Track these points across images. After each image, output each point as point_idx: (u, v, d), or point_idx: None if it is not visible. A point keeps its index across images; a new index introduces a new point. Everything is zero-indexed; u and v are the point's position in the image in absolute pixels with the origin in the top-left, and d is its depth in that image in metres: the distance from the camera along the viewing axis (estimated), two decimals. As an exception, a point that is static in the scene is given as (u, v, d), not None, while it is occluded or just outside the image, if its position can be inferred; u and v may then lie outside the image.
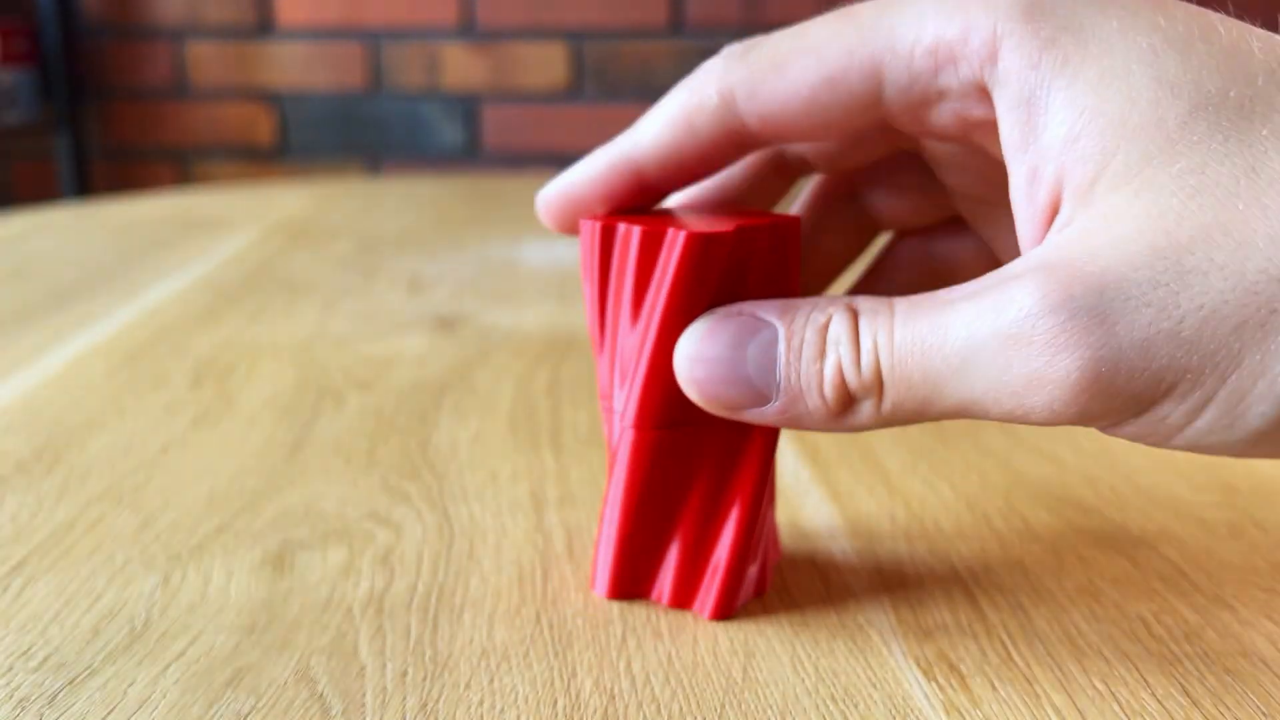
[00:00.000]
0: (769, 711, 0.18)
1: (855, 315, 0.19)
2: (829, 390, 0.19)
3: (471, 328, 0.43)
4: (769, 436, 0.22)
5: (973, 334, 0.17)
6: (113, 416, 0.33)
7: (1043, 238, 0.18)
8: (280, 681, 0.19)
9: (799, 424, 0.19)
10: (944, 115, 0.19)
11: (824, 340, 0.19)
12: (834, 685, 0.19)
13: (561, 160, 1.62)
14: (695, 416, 0.21)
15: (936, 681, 0.19)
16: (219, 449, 0.30)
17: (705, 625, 0.21)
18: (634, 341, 0.21)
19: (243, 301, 0.48)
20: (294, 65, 1.61)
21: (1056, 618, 0.21)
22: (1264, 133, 0.16)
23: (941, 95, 0.19)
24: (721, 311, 0.20)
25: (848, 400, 0.19)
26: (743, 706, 0.19)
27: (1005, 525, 0.26)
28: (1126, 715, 0.18)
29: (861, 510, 0.26)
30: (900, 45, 0.19)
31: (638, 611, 0.22)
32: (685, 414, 0.21)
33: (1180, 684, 0.19)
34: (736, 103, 0.20)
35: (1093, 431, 0.25)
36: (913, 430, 0.31)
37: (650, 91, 1.59)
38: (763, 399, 0.19)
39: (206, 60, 1.62)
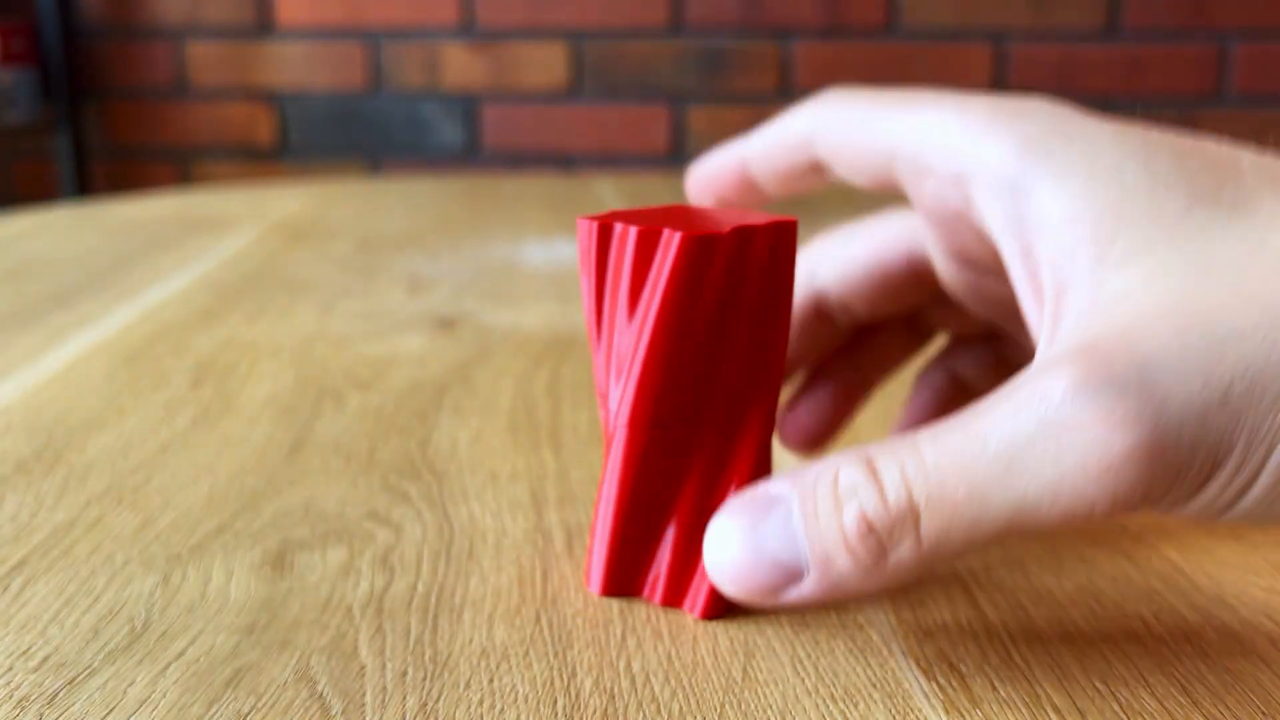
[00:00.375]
0: (769, 711, 0.18)
1: (869, 459, 0.18)
2: (854, 539, 0.17)
3: (471, 328, 0.43)
4: (762, 437, 0.22)
5: (1016, 431, 0.16)
6: (112, 416, 0.33)
7: (1044, 314, 0.18)
8: (280, 681, 0.19)
9: (844, 592, 0.18)
10: (929, 192, 0.21)
11: (837, 492, 0.18)
12: (834, 685, 0.19)
13: (562, 160, 1.62)
14: (689, 416, 0.21)
15: (936, 681, 0.19)
16: (219, 449, 0.30)
17: (705, 625, 0.21)
18: (629, 340, 0.21)
19: (242, 301, 0.48)
20: (294, 65, 1.61)
21: (1056, 617, 0.21)
22: (1262, 219, 0.17)
23: (930, 171, 0.20)
24: (734, 500, 0.19)
25: (879, 545, 0.17)
26: (743, 706, 0.19)
27: (1005, 525, 0.26)
28: (1126, 715, 0.18)
29: (861, 510, 0.26)
30: (909, 128, 0.21)
31: (638, 611, 0.22)
32: (679, 413, 0.21)
33: (1180, 684, 0.19)
34: (813, 143, 0.23)
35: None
36: (913, 430, 0.31)
37: (650, 91, 1.59)
38: (796, 576, 0.18)
39: (206, 60, 1.62)
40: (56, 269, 0.54)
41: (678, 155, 1.61)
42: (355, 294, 0.49)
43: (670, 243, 0.20)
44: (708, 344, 0.21)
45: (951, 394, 0.26)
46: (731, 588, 0.19)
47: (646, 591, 0.22)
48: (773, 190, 0.24)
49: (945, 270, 0.23)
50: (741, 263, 0.21)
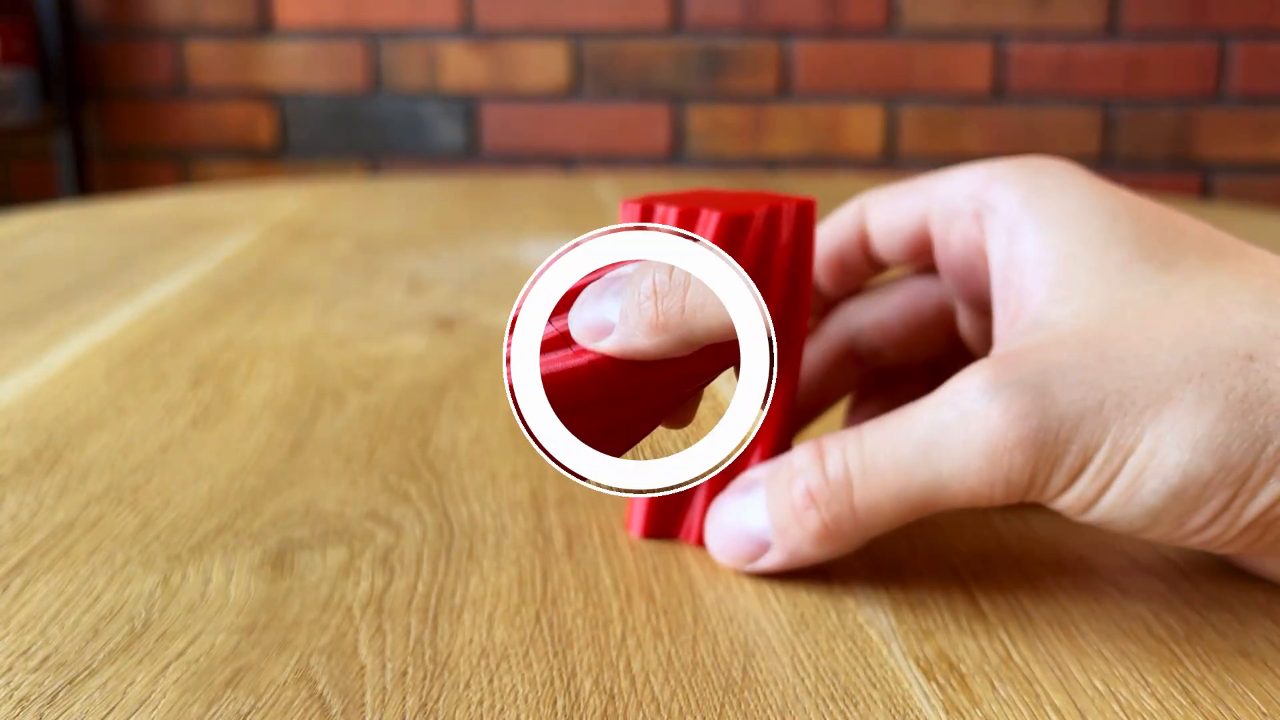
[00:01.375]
0: (769, 711, 0.18)
1: (819, 444, 0.22)
2: (800, 509, 0.21)
3: (471, 327, 0.43)
4: (783, 401, 0.24)
5: (938, 419, 0.20)
6: (112, 416, 0.33)
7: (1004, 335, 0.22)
8: (280, 681, 0.19)
9: (802, 558, 0.22)
10: (956, 232, 0.24)
11: (791, 472, 0.22)
12: (834, 685, 0.19)
13: (562, 160, 1.62)
14: None
15: (936, 681, 0.19)
16: (219, 449, 0.30)
17: (705, 625, 0.21)
18: None
19: (242, 301, 0.48)
20: (294, 65, 1.61)
21: (1056, 617, 0.21)
22: (1178, 276, 0.20)
23: (959, 214, 0.24)
24: (731, 484, 0.23)
25: (820, 513, 0.21)
26: (743, 706, 0.19)
27: (1005, 525, 0.26)
28: (1126, 715, 0.18)
29: (861, 510, 0.26)
30: (944, 191, 0.24)
31: (638, 611, 0.22)
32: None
33: (1180, 684, 0.19)
34: (864, 215, 0.26)
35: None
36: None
37: (650, 91, 1.59)
38: (765, 546, 0.22)
39: (206, 60, 1.62)
40: (56, 269, 0.54)
41: (678, 155, 1.61)
42: (355, 294, 0.49)
43: (709, 221, 0.22)
44: None
45: None
46: (720, 556, 0.23)
47: (683, 534, 0.25)
48: (827, 283, 0.27)
49: (964, 319, 0.26)
50: (770, 241, 0.22)
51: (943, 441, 0.20)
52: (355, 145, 1.63)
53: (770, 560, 0.22)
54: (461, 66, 1.60)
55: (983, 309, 0.25)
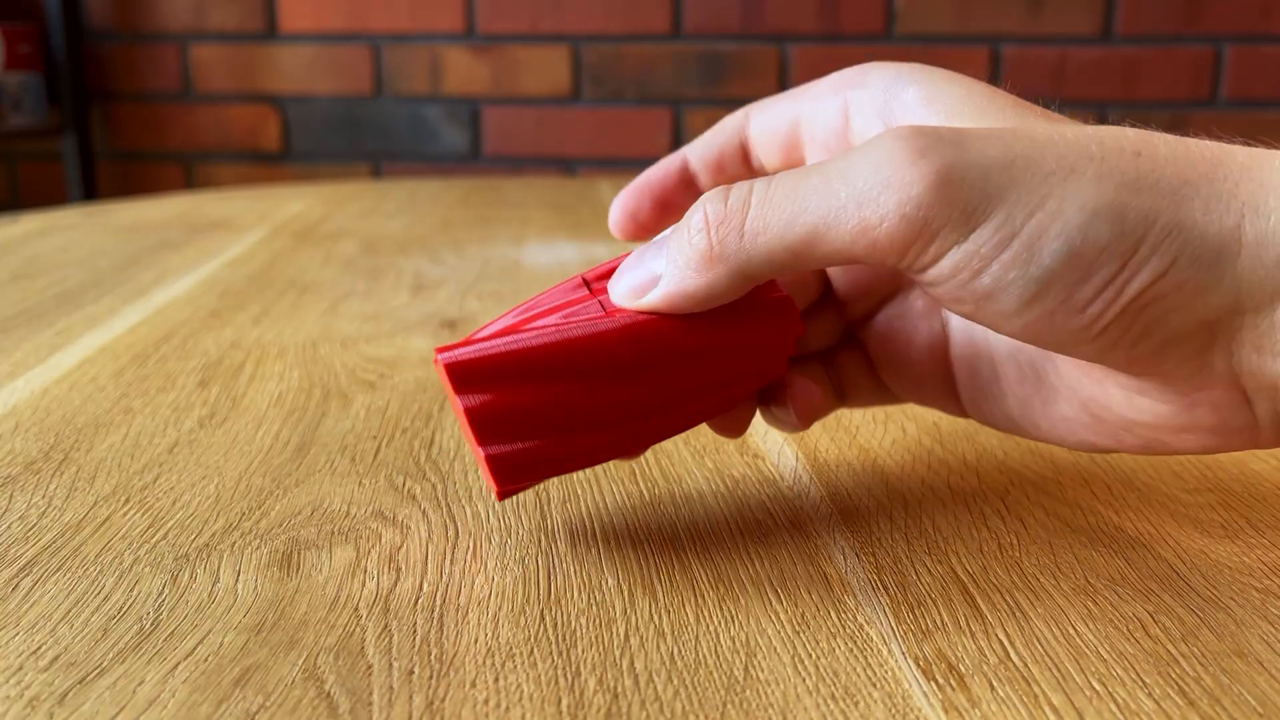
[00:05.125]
0: (770, 710, 0.19)
1: (730, 184, 0.22)
2: (695, 231, 0.22)
3: (475, 328, 0.44)
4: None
5: (844, 160, 0.21)
6: (120, 416, 0.33)
7: None
8: (288, 680, 0.19)
9: (685, 288, 0.22)
10: (820, 122, 0.26)
11: (699, 203, 0.22)
12: (834, 684, 0.19)
13: (562, 163, 1.62)
14: None
15: (935, 681, 0.20)
16: (226, 449, 0.30)
17: (707, 624, 0.21)
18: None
19: (249, 302, 0.48)
20: (298, 69, 1.61)
21: (1054, 618, 0.22)
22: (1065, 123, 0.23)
23: (822, 107, 0.26)
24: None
25: (710, 236, 0.22)
26: (744, 705, 0.19)
27: (1003, 525, 0.26)
28: (1123, 715, 0.19)
29: (860, 510, 0.27)
30: (810, 93, 0.26)
31: (641, 611, 0.22)
32: None
33: (1177, 684, 0.19)
34: (746, 122, 0.28)
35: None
36: (911, 432, 0.32)
37: (650, 95, 1.59)
38: (656, 280, 0.23)
39: (212, 64, 1.62)
40: (64, 270, 0.54)
41: (680, 158, 1.61)
42: (360, 295, 0.50)
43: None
44: None
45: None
46: (618, 294, 0.23)
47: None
48: (706, 181, 0.28)
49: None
50: None
51: (844, 175, 0.20)
52: (358, 148, 1.64)
53: (656, 294, 0.23)
54: (463, 71, 1.60)
55: None
